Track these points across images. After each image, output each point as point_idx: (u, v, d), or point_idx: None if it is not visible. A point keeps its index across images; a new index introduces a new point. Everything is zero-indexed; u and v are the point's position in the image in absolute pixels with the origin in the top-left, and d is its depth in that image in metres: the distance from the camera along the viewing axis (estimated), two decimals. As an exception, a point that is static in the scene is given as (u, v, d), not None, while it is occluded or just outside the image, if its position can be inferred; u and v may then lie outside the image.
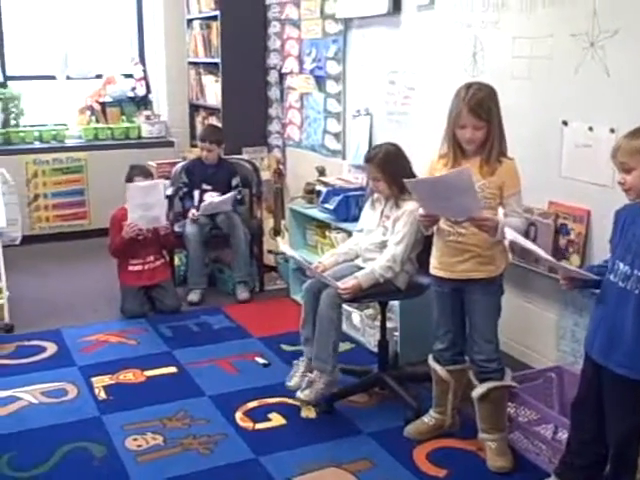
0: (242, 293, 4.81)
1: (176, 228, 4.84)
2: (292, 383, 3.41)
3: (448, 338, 3.03)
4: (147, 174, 4.65)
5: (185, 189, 5.02)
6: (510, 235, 2.61)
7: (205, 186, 4.96)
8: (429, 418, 3.17)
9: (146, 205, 4.46)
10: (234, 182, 5.03)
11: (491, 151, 2.77)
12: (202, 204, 4.84)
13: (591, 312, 2.54)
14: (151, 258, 4.64)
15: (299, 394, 3.31)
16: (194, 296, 4.78)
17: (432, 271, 3.01)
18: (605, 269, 2.38)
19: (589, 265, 2.55)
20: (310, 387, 3.29)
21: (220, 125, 5.69)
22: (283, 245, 4.59)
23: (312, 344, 3.36)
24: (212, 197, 4.85)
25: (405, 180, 2.82)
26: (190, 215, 4.84)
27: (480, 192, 2.75)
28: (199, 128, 6.34)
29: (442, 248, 2.93)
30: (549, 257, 2.59)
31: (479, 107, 2.72)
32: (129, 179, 4.60)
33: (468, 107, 2.72)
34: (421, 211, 2.90)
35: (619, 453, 2.37)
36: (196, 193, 4.96)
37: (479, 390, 2.93)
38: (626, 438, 2.34)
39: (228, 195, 4.83)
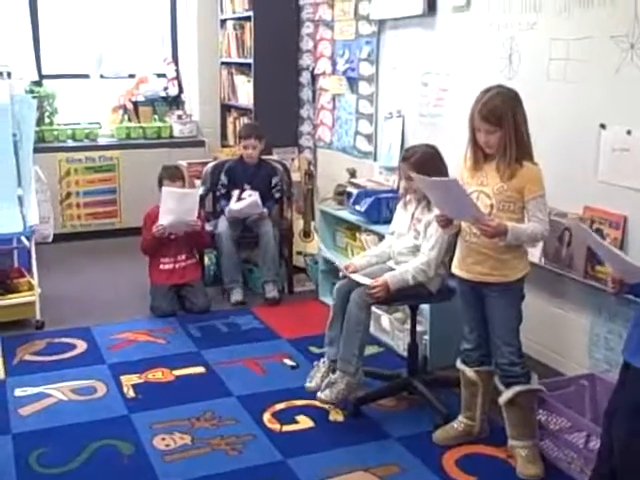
0: (271, 292, 4.80)
1: (207, 227, 4.85)
2: (312, 384, 3.40)
3: (474, 337, 3.02)
4: (175, 177, 4.64)
5: (223, 190, 5.02)
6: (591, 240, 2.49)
7: (246, 186, 4.95)
8: (458, 424, 3.15)
9: (178, 211, 4.48)
10: (274, 181, 5.04)
11: (506, 155, 2.76)
12: (228, 208, 4.84)
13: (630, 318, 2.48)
14: (182, 257, 4.67)
15: (319, 394, 3.30)
16: (237, 296, 4.78)
17: (453, 269, 3.03)
18: None
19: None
20: (331, 387, 3.27)
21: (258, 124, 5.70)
22: (318, 244, 4.58)
23: (336, 346, 3.35)
24: (237, 204, 4.84)
25: (414, 175, 2.95)
26: (225, 210, 4.85)
27: (498, 195, 2.78)
28: (230, 128, 6.39)
29: (461, 248, 2.96)
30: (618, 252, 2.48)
31: (489, 112, 2.74)
32: (159, 180, 4.64)
33: (479, 112, 2.76)
34: (437, 210, 2.96)
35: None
36: (235, 193, 4.95)
37: (506, 395, 2.90)
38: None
39: (251, 199, 4.81)
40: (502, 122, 2.73)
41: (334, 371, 3.34)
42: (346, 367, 3.26)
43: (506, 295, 2.87)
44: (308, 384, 3.43)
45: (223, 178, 5.03)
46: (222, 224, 4.83)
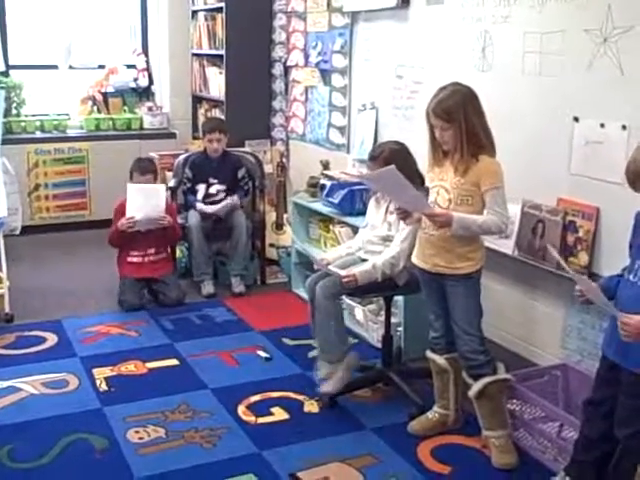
0: (238, 286, 4.78)
1: (179, 220, 4.81)
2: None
3: (440, 325, 3.04)
4: (146, 170, 4.58)
5: (188, 184, 4.98)
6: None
7: (211, 180, 4.93)
8: (432, 414, 3.16)
9: (145, 207, 4.44)
10: (240, 174, 5.01)
11: (459, 150, 2.79)
12: (200, 207, 4.82)
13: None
14: (152, 251, 4.61)
15: (320, 389, 3.33)
16: (208, 288, 4.75)
17: (413, 259, 3.07)
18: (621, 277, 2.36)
19: (609, 276, 2.50)
20: (328, 379, 3.29)
21: (223, 117, 5.65)
22: (291, 236, 4.57)
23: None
24: (212, 207, 4.82)
25: (358, 175, 2.93)
26: (198, 209, 4.81)
27: (455, 189, 2.83)
28: (201, 120, 6.31)
29: (420, 239, 3.00)
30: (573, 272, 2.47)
31: (441, 109, 2.79)
32: (130, 173, 4.59)
33: (432, 109, 2.82)
34: (394, 204, 3.01)
35: (627, 451, 2.36)
36: (202, 187, 4.93)
37: (475, 388, 2.92)
38: (636, 439, 2.33)
39: (229, 202, 4.80)
40: (453, 118, 2.77)
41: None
42: (329, 357, 3.28)
43: (463, 287, 2.90)
44: (317, 371, 3.41)
45: (187, 172, 4.98)
46: (192, 217, 4.79)
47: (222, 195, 4.93)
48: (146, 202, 4.44)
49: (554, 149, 3.26)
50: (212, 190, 4.90)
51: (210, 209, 4.82)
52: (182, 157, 5.20)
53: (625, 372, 2.33)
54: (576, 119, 3.15)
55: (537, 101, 3.35)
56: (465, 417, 3.16)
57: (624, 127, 2.92)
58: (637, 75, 2.88)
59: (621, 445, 2.39)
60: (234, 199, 4.86)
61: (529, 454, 2.96)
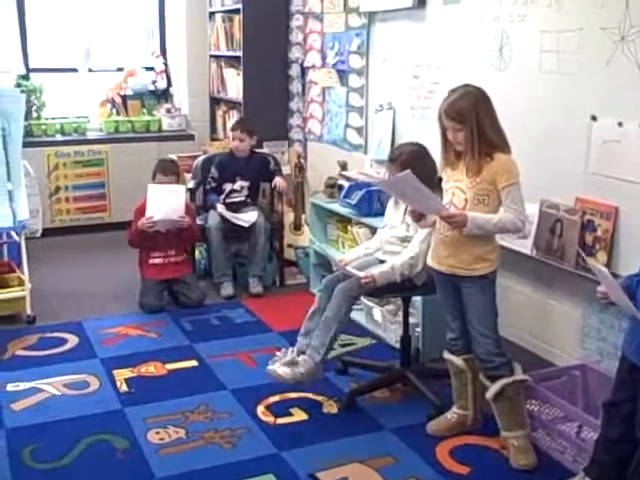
0: (255, 287, 4.80)
1: (198, 221, 4.84)
2: (273, 367, 3.33)
3: (457, 326, 3.04)
4: (169, 171, 4.63)
5: (214, 184, 5.01)
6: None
7: (238, 178, 4.96)
8: (451, 414, 3.17)
9: (165, 208, 4.47)
10: (271, 167, 5.07)
11: (472, 151, 2.80)
12: (220, 209, 4.83)
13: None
14: (173, 252, 4.64)
15: (277, 367, 3.28)
16: (228, 290, 4.77)
17: (428, 261, 3.07)
18: None
19: (628, 275, 2.49)
20: (291, 367, 3.27)
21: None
22: (309, 237, 4.58)
23: (310, 337, 3.36)
24: (233, 215, 4.83)
25: (374, 182, 2.99)
26: (219, 211, 4.84)
27: (472, 188, 2.83)
28: (219, 122, 6.38)
29: (435, 240, 3.00)
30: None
31: (453, 110, 2.81)
32: (153, 173, 4.63)
33: (444, 111, 2.84)
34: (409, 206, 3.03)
35: None
36: (228, 186, 4.96)
37: (492, 390, 2.92)
38: None
39: (250, 219, 4.78)
40: (465, 119, 2.78)
41: (304, 352, 3.35)
42: (314, 355, 3.28)
43: (479, 288, 2.90)
44: (269, 366, 3.35)
45: (213, 171, 5.01)
46: (212, 218, 4.81)
47: (245, 192, 4.96)
48: (166, 203, 4.47)
49: (572, 148, 3.25)
50: (236, 186, 4.94)
51: (229, 215, 4.81)
52: (201, 158, 5.23)
53: None
54: (594, 118, 3.14)
55: (554, 100, 3.34)
56: (484, 417, 3.15)
57: (642, 126, 2.91)
58: (655, 74, 2.87)
59: None
60: (255, 215, 4.82)
61: (548, 454, 2.96)
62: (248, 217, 4.79)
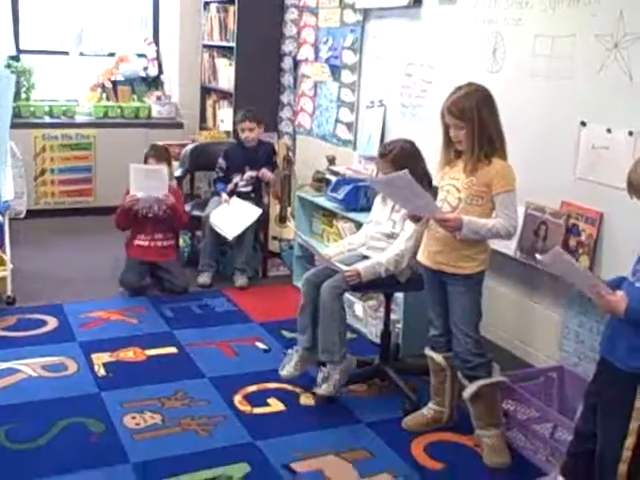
0: (240, 280, 4.80)
1: (187, 208, 4.83)
2: (285, 372, 3.43)
3: (440, 323, 3.05)
4: (161, 158, 4.62)
5: (221, 174, 5.00)
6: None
7: (247, 169, 4.96)
8: (427, 410, 3.18)
9: (147, 188, 4.46)
10: (274, 158, 5.09)
11: (473, 150, 2.80)
12: (225, 196, 4.84)
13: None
14: (159, 236, 4.65)
15: (317, 390, 3.31)
16: (205, 278, 4.77)
17: (418, 256, 3.07)
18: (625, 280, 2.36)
19: (612, 277, 2.51)
20: (327, 381, 3.28)
21: (232, 109, 5.67)
22: (294, 230, 4.58)
23: (308, 333, 3.37)
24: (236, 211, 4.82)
25: (368, 180, 3.10)
26: (223, 200, 4.83)
27: (467, 189, 2.84)
28: (210, 111, 6.36)
29: (427, 236, 3.01)
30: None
31: (456, 108, 2.80)
32: (145, 157, 4.64)
33: (447, 108, 2.83)
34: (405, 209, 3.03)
35: (602, 453, 2.38)
36: (237, 177, 4.96)
37: (469, 390, 2.94)
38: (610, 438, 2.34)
39: (251, 218, 4.78)
40: (468, 118, 2.78)
41: (307, 359, 3.37)
42: (331, 357, 3.27)
43: (464, 286, 2.91)
44: (281, 372, 3.44)
45: (221, 162, 5.00)
46: (212, 206, 4.81)
47: (252, 182, 4.96)
48: (149, 182, 4.46)
49: (560, 152, 3.27)
50: (245, 176, 4.96)
51: (217, 226, 4.75)
52: (189, 147, 5.23)
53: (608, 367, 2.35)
54: (583, 123, 3.16)
55: (545, 104, 3.35)
56: (459, 415, 3.17)
57: (631, 133, 2.93)
58: (646, 82, 2.89)
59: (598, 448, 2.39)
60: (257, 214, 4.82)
61: (521, 454, 2.98)
62: (238, 225, 4.74)
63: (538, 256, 2.35)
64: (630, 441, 2.28)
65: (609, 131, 3.04)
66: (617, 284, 2.38)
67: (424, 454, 2.98)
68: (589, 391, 2.49)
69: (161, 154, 4.66)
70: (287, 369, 3.43)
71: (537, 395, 3.08)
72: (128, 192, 4.55)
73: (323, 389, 3.28)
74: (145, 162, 4.62)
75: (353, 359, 3.37)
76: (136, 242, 4.64)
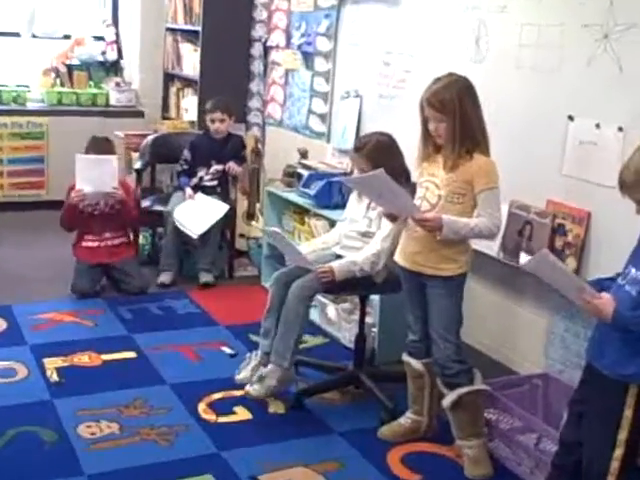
0: (204, 277, 4.78)
1: (144, 203, 4.79)
2: (240, 376, 3.44)
3: (419, 328, 3.05)
4: (104, 151, 4.53)
5: (186, 166, 4.97)
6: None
7: (213, 162, 4.94)
8: (405, 420, 3.19)
9: (95, 180, 4.39)
10: (243, 152, 5.08)
11: (454, 145, 2.80)
12: (189, 192, 4.82)
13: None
14: (108, 235, 4.59)
15: (248, 388, 3.32)
16: (166, 277, 4.75)
17: (395, 257, 3.07)
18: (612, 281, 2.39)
19: (597, 277, 2.54)
20: (261, 382, 3.28)
21: (197, 97, 5.64)
22: (263, 226, 4.58)
23: (271, 337, 3.36)
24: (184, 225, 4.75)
25: (343, 179, 3.22)
26: (187, 196, 4.80)
27: (447, 186, 2.84)
28: (173, 99, 6.33)
29: (405, 236, 3.01)
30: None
31: (436, 100, 2.80)
32: (86, 151, 4.53)
33: (427, 99, 2.83)
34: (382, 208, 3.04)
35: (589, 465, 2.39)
36: (203, 171, 4.94)
37: (449, 398, 2.94)
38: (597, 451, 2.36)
39: (219, 209, 4.77)
40: (448, 110, 2.77)
41: (266, 364, 3.35)
42: (280, 361, 3.27)
43: (444, 289, 2.91)
44: (237, 376, 3.45)
45: (186, 154, 4.97)
46: (175, 201, 4.77)
47: (218, 176, 4.94)
48: (96, 174, 4.38)
49: (546, 148, 3.30)
50: (212, 170, 4.93)
51: (181, 223, 4.72)
52: (151, 137, 5.19)
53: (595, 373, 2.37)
54: (571, 118, 3.19)
55: (530, 97, 3.38)
56: (439, 424, 3.18)
57: (620, 129, 2.96)
58: (637, 74, 2.92)
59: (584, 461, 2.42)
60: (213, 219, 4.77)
61: (504, 465, 3.00)
62: (203, 222, 4.71)
63: (522, 261, 2.38)
64: (619, 452, 2.31)
65: (598, 126, 3.07)
66: (601, 286, 2.41)
67: (401, 465, 2.99)
68: (574, 399, 2.52)
69: (103, 147, 4.57)
70: (243, 373, 3.44)
71: (521, 403, 3.09)
72: (73, 187, 4.47)
73: (254, 389, 3.29)
74: None
75: (295, 377, 3.40)
76: (83, 244, 4.57)
